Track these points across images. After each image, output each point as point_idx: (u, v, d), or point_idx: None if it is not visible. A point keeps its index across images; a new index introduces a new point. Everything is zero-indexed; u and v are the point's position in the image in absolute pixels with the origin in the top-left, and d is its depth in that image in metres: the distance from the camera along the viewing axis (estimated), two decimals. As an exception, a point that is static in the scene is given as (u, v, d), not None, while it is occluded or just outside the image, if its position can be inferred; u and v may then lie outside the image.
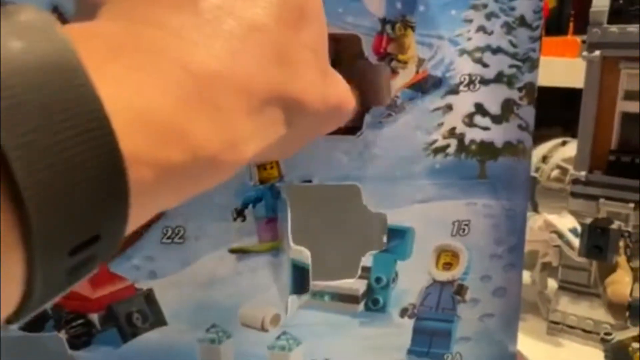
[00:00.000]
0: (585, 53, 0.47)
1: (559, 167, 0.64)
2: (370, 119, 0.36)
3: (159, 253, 0.36)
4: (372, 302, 0.39)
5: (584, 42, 0.91)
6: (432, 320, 0.40)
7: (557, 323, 0.50)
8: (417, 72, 0.36)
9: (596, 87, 0.46)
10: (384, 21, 0.35)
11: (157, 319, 0.36)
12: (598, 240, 0.42)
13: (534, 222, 0.51)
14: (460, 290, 0.40)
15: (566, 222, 0.47)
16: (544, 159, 0.65)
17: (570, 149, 0.66)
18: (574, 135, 0.82)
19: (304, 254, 0.35)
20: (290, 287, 0.36)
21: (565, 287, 0.50)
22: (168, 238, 0.36)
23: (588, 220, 0.44)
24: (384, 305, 0.39)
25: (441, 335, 0.40)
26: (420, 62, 0.36)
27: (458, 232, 0.39)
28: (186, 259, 0.36)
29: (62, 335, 0.35)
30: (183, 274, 0.36)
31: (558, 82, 0.67)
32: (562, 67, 0.68)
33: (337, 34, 0.35)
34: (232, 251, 0.37)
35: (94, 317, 0.36)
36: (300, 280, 0.36)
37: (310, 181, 0.37)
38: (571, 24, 0.81)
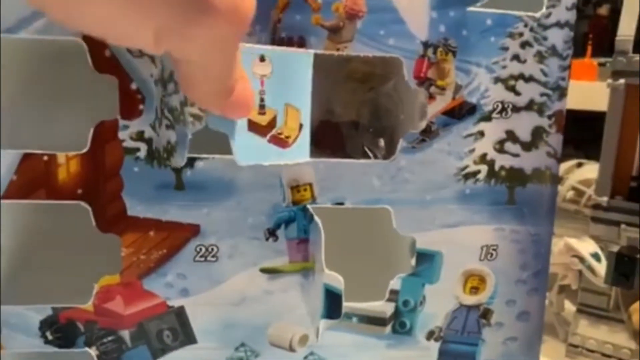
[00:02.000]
0: (610, 80, 0.48)
1: (574, 188, 0.64)
2: (404, 144, 0.37)
3: (191, 271, 0.36)
4: (400, 324, 0.39)
5: (600, 64, 0.92)
6: (458, 344, 0.40)
7: (576, 346, 0.50)
8: (453, 98, 0.36)
9: (619, 114, 0.47)
10: (426, 45, 0.35)
11: (187, 337, 0.37)
12: (625, 268, 0.43)
13: (554, 245, 0.51)
14: (486, 314, 0.40)
15: (587, 247, 0.47)
16: (559, 180, 0.65)
17: (586, 171, 0.66)
18: (586, 155, 0.82)
19: (338, 280, 0.36)
20: (322, 311, 0.37)
21: (584, 310, 0.50)
22: (201, 256, 0.36)
23: (611, 247, 0.45)
24: (410, 328, 0.39)
25: (466, 358, 0.40)
26: (457, 88, 0.36)
27: (486, 257, 0.39)
28: (218, 277, 0.36)
29: (93, 351, 0.36)
30: (214, 292, 0.37)
31: (575, 104, 0.67)
32: (580, 90, 0.68)
33: (377, 56, 0.35)
34: (263, 270, 0.37)
35: (125, 333, 0.36)
36: (333, 305, 0.36)
37: (342, 204, 0.37)
38: (589, 47, 0.81)
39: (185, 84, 0.26)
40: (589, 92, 0.67)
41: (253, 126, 0.33)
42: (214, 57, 0.25)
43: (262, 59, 0.32)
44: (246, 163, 0.34)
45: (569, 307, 0.56)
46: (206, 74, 0.26)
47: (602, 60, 0.81)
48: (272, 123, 0.33)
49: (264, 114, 0.33)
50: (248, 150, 0.33)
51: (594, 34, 0.82)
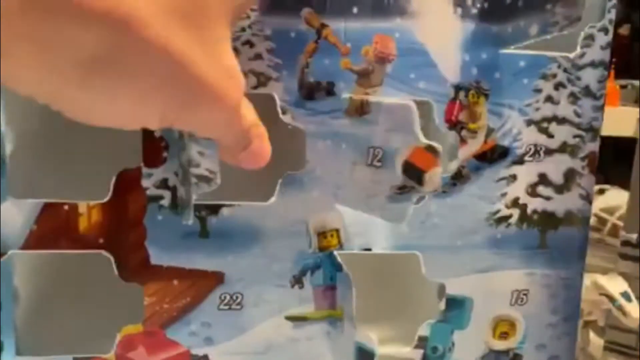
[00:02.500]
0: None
1: (596, 216, 0.63)
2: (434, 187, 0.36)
3: (215, 319, 0.35)
4: (428, 371, 0.38)
5: (622, 87, 0.91)
6: (487, 390, 0.39)
7: (604, 386, 0.49)
8: (485, 141, 0.35)
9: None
10: (457, 87, 0.34)
11: (211, 387, 0.36)
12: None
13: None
14: (515, 359, 0.39)
15: (617, 286, 0.46)
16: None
17: (609, 198, 0.65)
18: (607, 180, 0.81)
19: (371, 339, 0.35)
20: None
21: (612, 348, 0.49)
22: (226, 304, 0.35)
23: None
24: (439, 375, 0.38)
25: (495, 405, 0.39)
26: (489, 131, 0.35)
27: (517, 302, 0.38)
28: (243, 325, 0.35)
29: (115, 402, 0.35)
30: (239, 340, 0.36)
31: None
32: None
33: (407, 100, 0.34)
34: (289, 318, 0.36)
35: (148, 384, 0.35)
36: (364, 360, 0.35)
37: (369, 249, 0.36)
38: (612, 71, 0.80)
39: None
40: (612, 117, 0.66)
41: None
42: (220, 130, 0.27)
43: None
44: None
45: (595, 340, 0.54)
46: (217, 140, 0.28)
47: (625, 82, 0.80)
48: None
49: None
50: None
51: (615, 55, 0.81)
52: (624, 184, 0.57)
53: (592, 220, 0.65)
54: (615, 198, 0.63)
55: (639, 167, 0.47)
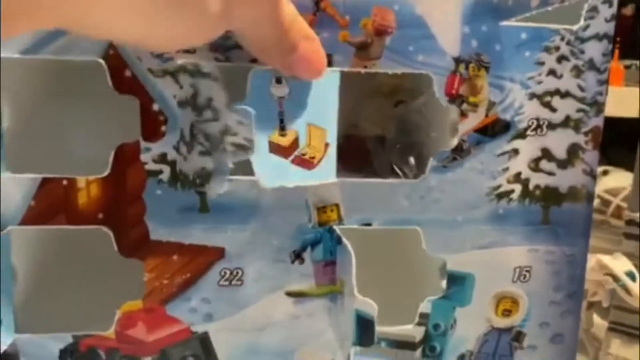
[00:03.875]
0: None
1: (600, 197, 0.62)
2: (435, 162, 0.35)
3: (216, 295, 0.35)
4: (430, 349, 0.38)
5: (627, 67, 0.90)
6: (489, 368, 0.39)
7: (608, 366, 0.49)
8: (486, 115, 0.35)
9: (654, 127, 0.45)
10: (457, 60, 0.34)
11: (211, 364, 0.35)
12: (666, 292, 0.41)
13: (584, 260, 0.50)
14: (519, 337, 0.39)
15: (622, 265, 0.46)
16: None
17: (612, 179, 0.65)
18: (610, 161, 0.80)
19: (370, 306, 0.34)
20: (354, 338, 0.35)
21: (616, 329, 0.49)
22: (226, 280, 0.35)
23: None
24: (441, 352, 0.38)
25: (498, 383, 0.39)
26: (491, 105, 0.35)
27: (519, 279, 0.38)
28: (243, 301, 0.35)
29: (115, 379, 0.35)
30: (239, 317, 0.35)
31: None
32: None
33: (406, 73, 0.34)
34: (289, 294, 0.36)
35: (148, 360, 0.35)
36: (365, 331, 0.35)
37: (369, 224, 0.36)
38: (616, 51, 0.79)
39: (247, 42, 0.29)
40: (616, 97, 0.65)
41: (274, 148, 0.32)
42: (259, 23, 0.28)
43: (279, 80, 0.31)
44: (270, 185, 0.33)
45: (598, 322, 0.54)
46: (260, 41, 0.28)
47: (629, 62, 0.79)
48: (294, 144, 0.32)
49: (284, 135, 0.32)
50: (271, 172, 0.32)
51: (620, 35, 0.80)
52: (628, 166, 0.56)
53: (596, 202, 0.65)
54: (618, 179, 0.63)
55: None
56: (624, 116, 0.58)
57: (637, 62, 0.80)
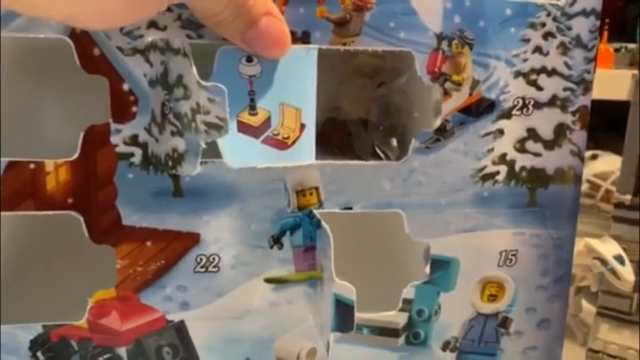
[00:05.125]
0: (635, 72, 0.45)
1: (589, 182, 0.61)
2: (417, 144, 0.34)
3: (192, 283, 0.34)
4: (413, 335, 0.37)
5: (616, 50, 0.89)
6: (475, 354, 0.38)
7: (596, 352, 0.48)
8: (470, 94, 0.34)
9: (644, 107, 0.44)
10: (440, 37, 0.33)
11: (188, 354, 0.34)
12: (655, 274, 0.40)
13: (572, 244, 0.49)
14: (505, 322, 0.38)
15: (610, 249, 0.45)
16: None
17: (601, 163, 0.64)
18: (598, 146, 0.80)
19: (349, 290, 0.33)
20: (332, 323, 0.34)
21: (604, 313, 0.48)
22: (202, 267, 0.34)
23: (635, 248, 0.42)
24: (425, 338, 0.37)
25: (484, 370, 0.38)
26: (475, 83, 0.34)
27: (505, 263, 0.37)
28: (220, 289, 0.34)
29: (89, 370, 0.34)
30: (216, 305, 0.34)
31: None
32: (596, 78, 0.66)
33: (387, 50, 0.33)
34: (268, 281, 0.35)
35: (122, 351, 0.34)
36: (344, 317, 0.34)
37: (350, 208, 0.35)
38: (605, 33, 0.78)
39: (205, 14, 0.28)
40: (605, 80, 0.64)
41: (244, 127, 0.31)
42: None
43: (250, 59, 0.30)
44: (238, 166, 0.32)
45: (587, 307, 0.53)
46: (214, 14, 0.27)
47: (618, 45, 0.78)
48: (265, 124, 0.31)
49: (255, 114, 0.31)
50: (239, 152, 0.31)
51: (610, 17, 0.79)
52: (617, 150, 0.56)
53: (585, 187, 0.64)
54: (608, 163, 0.62)
55: (632, 127, 0.46)
56: (613, 99, 0.57)
57: (627, 45, 0.79)
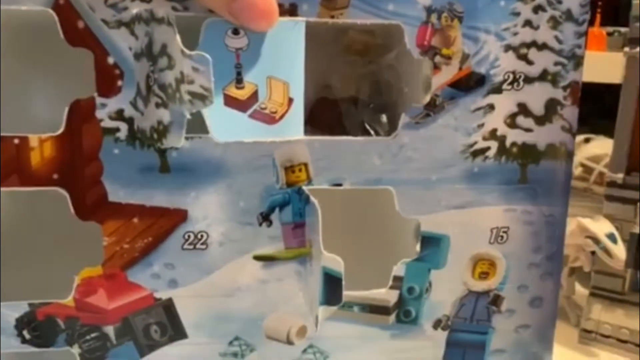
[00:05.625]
0: (626, 49, 0.45)
1: (582, 165, 0.61)
2: (407, 119, 0.34)
3: (180, 260, 0.33)
4: (404, 313, 0.36)
5: (609, 34, 0.89)
6: (466, 332, 0.38)
7: (589, 332, 0.48)
8: (460, 68, 0.33)
9: (636, 85, 0.44)
10: (429, 10, 0.32)
11: (176, 332, 0.34)
12: (646, 251, 0.40)
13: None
14: (496, 300, 0.38)
15: (602, 227, 0.45)
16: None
17: (595, 146, 0.64)
18: (592, 130, 0.79)
19: (337, 263, 0.33)
20: (321, 297, 0.34)
21: (597, 294, 0.48)
22: (190, 244, 0.33)
23: (627, 227, 0.42)
24: (416, 316, 0.37)
25: (475, 348, 0.38)
26: (465, 57, 0.33)
27: (496, 240, 0.36)
28: (208, 266, 0.34)
29: (75, 350, 0.33)
30: (204, 282, 0.34)
31: (584, 76, 0.64)
32: (588, 61, 0.66)
33: (376, 23, 0.32)
34: (257, 258, 0.34)
35: (110, 329, 0.33)
36: (332, 290, 0.33)
37: (340, 185, 0.34)
38: (598, 15, 0.78)
39: None
40: (598, 63, 0.64)
41: (230, 101, 0.30)
42: None
43: (236, 31, 0.29)
44: (225, 140, 0.31)
45: (580, 289, 0.53)
46: None
47: (611, 29, 0.78)
48: (252, 98, 0.31)
49: (242, 88, 0.30)
50: (226, 126, 0.31)
51: (603, 0, 0.78)
52: (610, 134, 0.55)
53: (579, 170, 0.64)
54: (601, 147, 0.62)
55: (625, 106, 0.45)
56: (606, 82, 0.57)
57: (620, 29, 0.79)
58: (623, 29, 0.77)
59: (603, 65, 0.59)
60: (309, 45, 0.31)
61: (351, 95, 0.40)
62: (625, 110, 0.45)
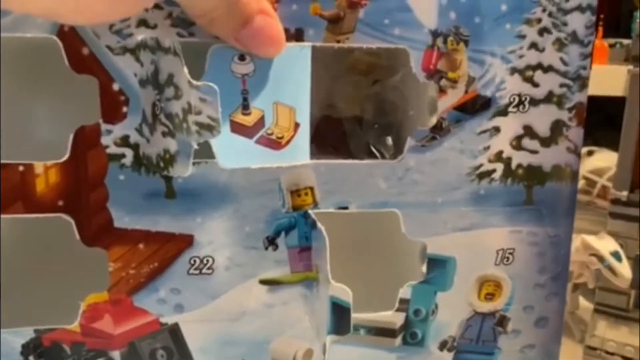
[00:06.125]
0: (629, 67, 0.45)
1: (585, 178, 0.61)
2: (413, 142, 0.34)
3: (185, 285, 0.33)
4: (410, 335, 0.36)
5: (611, 46, 0.89)
6: (472, 353, 0.37)
7: (594, 349, 0.48)
8: (466, 91, 0.33)
9: (639, 102, 0.44)
10: (435, 34, 0.32)
11: (182, 356, 0.34)
12: (652, 272, 0.40)
13: (569, 241, 0.49)
14: (502, 321, 0.37)
15: (607, 245, 0.45)
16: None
17: (597, 159, 0.64)
18: (595, 142, 0.79)
19: (345, 293, 0.33)
20: (329, 326, 0.34)
21: (602, 310, 0.48)
22: (196, 269, 0.33)
23: (632, 245, 0.42)
24: (422, 338, 0.36)
25: (481, 369, 0.38)
26: (470, 80, 0.33)
27: (502, 261, 0.36)
28: (214, 291, 0.34)
29: (81, 374, 0.33)
30: (211, 307, 0.34)
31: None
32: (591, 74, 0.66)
33: (381, 47, 0.32)
34: (263, 282, 0.34)
35: (116, 354, 0.33)
36: (340, 319, 0.33)
37: (346, 208, 0.34)
38: (600, 29, 0.78)
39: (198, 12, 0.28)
40: (600, 76, 0.64)
41: (237, 127, 0.30)
42: None
43: (242, 57, 0.29)
44: (231, 166, 0.31)
45: (584, 304, 0.53)
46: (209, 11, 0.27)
47: (613, 41, 0.78)
48: (259, 124, 0.31)
49: (248, 114, 0.30)
50: (233, 153, 0.30)
51: (604, 12, 0.78)
52: (614, 147, 0.55)
53: (581, 183, 0.64)
54: (604, 159, 0.62)
55: (628, 123, 0.45)
56: (608, 94, 0.57)
57: (622, 41, 0.79)
58: (625, 41, 0.77)
59: (605, 78, 0.59)
60: (313, 64, 0.31)
61: (355, 115, 0.40)
62: (629, 128, 0.45)
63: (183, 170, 0.30)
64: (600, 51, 0.75)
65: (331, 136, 0.41)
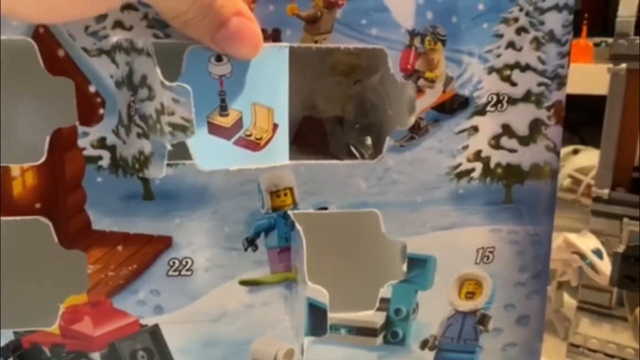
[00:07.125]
0: (610, 65, 0.45)
1: (571, 176, 0.61)
2: (392, 142, 0.34)
3: (165, 287, 0.33)
4: (392, 334, 0.36)
5: (596, 45, 0.89)
6: (454, 352, 0.38)
7: (577, 346, 0.48)
8: (444, 91, 0.33)
9: (620, 101, 0.44)
10: (412, 34, 0.32)
11: (163, 357, 0.34)
12: (631, 270, 0.40)
13: (553, 240, 0.49)
14: (483, 320, 0.38)
15: (588, 243, 0.45)
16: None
17: (583, 158, 0.64)
18: (582, 140, 0.80)
19: (321, 294, 0.33)
20: (306, 328, 0.34)
21: (585, 308, 0.48)
22: (175, 270, 0.33)
23: (613, 242, 0.42)
24: (403, 337, 0.37)
25: (463, 367, 0.38)
26: (448, 80, 0.33)
27: (482, 260, 0.36)
28: (194, 292, 0.34)
29: (61, 376, 0.33)
30: (191, 308, 0.34)
31: (570, 87, 0.64)
32: (575, 73, 0.66)
33: (359, 48, 0.32)
34: (243, 283, 0.34)
35: (96, 356, 0.33)
36: (317, 321, 0.33)
37: (326, 208, 0.34)
38: (584, 27, 0.78)
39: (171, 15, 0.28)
40: (585, 75, 0.64)
41: (215, 129, 0.30)
42: None
43: (219, 58, 0.29)
44: (209, 168, 0.31)
45: (569, 301, 0.53)
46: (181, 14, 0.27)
47: (598, 40, 0.78)
48: (237, 125, 0.30)
49: (226, 115, 0.30)
50: (210, 154, 0.30)
51: (589, 12, 0.79)
52: (600, 146, 0.56)
53: (567, 181, 0.64)
54: (589, 158, 0.62)
55: (609, 121, 0.46)
56: (594, 93, 0.57)
57: (607, 40, 0.79)
58: (610, 40, 0.78)
59: (590, 77, 0.59)
60: (293, 65, 0.31)
61: (336, 115, 0.40)
62: (610, 126, 0.45)
63: (157, 172, 0.30)
64: (585, 51, 0.76)
65: (313, 137, 0.41)
